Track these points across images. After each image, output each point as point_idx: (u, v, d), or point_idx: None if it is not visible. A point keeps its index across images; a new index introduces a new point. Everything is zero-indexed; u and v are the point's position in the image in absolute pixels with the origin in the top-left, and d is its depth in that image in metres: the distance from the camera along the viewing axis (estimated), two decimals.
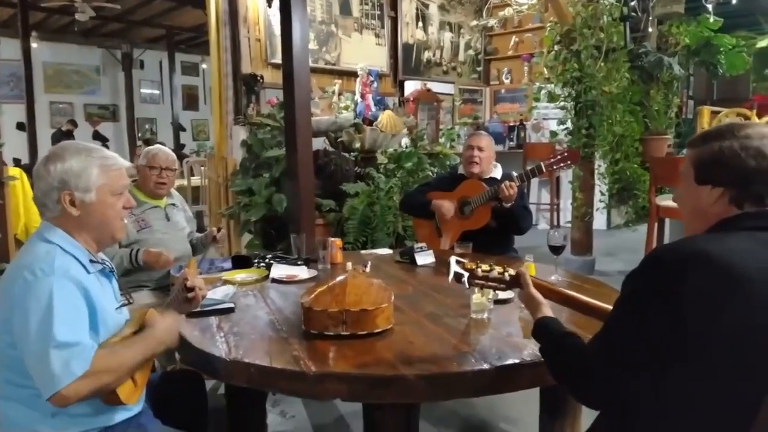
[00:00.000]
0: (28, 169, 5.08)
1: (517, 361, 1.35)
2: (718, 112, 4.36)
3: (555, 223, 6.85)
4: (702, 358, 0.94)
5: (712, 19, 4.88)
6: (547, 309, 1.28)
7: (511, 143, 7.09)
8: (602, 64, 4.36)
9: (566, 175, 5.68)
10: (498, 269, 1.36)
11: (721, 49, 5.86)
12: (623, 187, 5.77)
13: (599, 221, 6.02)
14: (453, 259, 1.38)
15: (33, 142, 9.05)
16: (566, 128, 4.62)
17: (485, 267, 1.36)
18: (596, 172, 4.84)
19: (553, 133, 4.92)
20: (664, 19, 4.95)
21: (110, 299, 1.46)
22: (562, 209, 6.45)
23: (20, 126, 9.35)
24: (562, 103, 4.59)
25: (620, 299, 1.05)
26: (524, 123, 6.98)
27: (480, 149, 2.92)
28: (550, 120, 6.20)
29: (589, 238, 4.83)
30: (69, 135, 10.49)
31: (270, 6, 4.77)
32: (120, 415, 1.39)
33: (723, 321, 0.93)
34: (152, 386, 1.57)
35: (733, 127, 1.09)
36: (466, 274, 1.34)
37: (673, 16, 4.79)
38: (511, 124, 7.10)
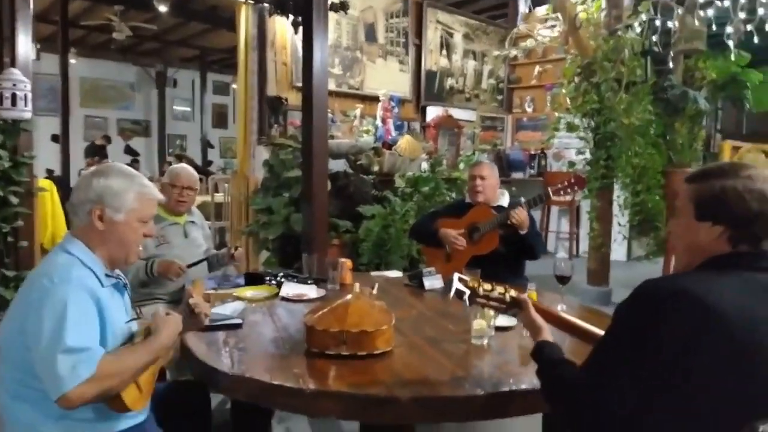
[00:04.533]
0: (59, 181, 5.25)
1: (509, 388, 1.37)
2: (740, 148, 4.32)
3: (574, 252, 6.81)
4: (682, 392, 0.96)
5: (733, 57, 4.88)
6: (548, 333, 1.29)
7: (532, 171, 7.11)
8: (623, 96, 4.37)
9: (586, 205, 5.66)
10: (500, 289, 1.38)
11: (748, 84, 5.80)
12: (645, 219, 5.70)
13: (619, 252, 5.96)
14: (456, 276, 1.40)
15: (66, 154, 9.29)
16: (585, 158, 4.63)
17: (487, 287, 1.38)
18: (615, 203, 4.82)
19: (571, 163, 4.93)
20: (685, 55, 4.96)
21: (121, 312, 1.52)
22: (582, 238, 6.40)
23: (54, 138, 9.65)
24: (581, 134, 4.61)
25: (609, 329, 1.08)
26: (545, 151, 7.00)
27: (482, 178, 2.95)
28: (571, 149, 6.20)
29: (606, 269, 4.79)
30: (102, 149, 10.81)
31: (297, 32, 4.90)
32: (124, 423, 1.43)
33: (699, 358, 0.95)
34: (158, 396, 1.61)
35: (736, 167, 1.10)
36: (468, 292, 1.36)
37: (694, 53, 4.80)
38: (533, 152, 7.13)
